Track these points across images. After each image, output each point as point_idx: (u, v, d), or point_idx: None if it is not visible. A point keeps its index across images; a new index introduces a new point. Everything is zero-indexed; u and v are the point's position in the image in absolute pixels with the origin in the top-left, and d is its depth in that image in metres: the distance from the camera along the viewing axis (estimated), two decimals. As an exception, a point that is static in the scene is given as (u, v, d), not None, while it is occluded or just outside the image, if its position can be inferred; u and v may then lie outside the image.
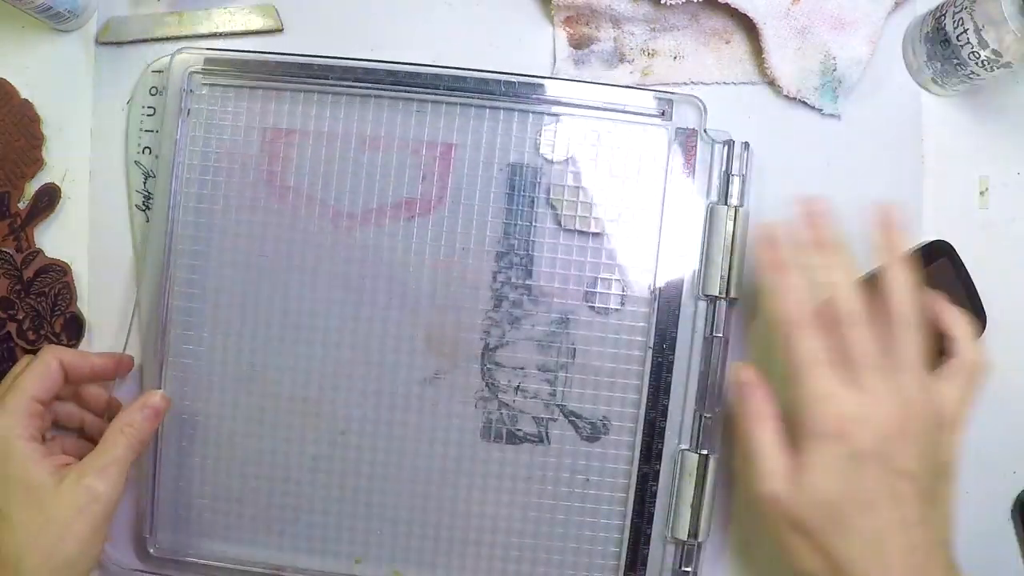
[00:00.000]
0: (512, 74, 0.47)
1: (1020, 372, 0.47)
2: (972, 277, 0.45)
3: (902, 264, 0.37)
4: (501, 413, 0.47)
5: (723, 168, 0.46)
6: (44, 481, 0.38)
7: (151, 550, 0.48)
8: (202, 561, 0.48)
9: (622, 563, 0.47)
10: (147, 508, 0.48)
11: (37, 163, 0.49)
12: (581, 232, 0.47)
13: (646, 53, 0.48)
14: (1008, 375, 0.45)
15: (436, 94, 0.47)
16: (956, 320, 0.39)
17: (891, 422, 0.35)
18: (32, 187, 0.49)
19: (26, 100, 0.49)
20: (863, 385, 0.35)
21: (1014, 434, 0.48)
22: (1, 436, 0.39)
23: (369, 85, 0.47)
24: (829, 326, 0.36)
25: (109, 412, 0.46)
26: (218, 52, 0.48)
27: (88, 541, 0.39)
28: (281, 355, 0.48)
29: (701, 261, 0.46)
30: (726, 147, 0.46)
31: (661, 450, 0.46)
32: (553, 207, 0.47)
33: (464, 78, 0.47)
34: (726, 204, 0.46)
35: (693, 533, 0.45)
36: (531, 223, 0.47)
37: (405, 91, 0.47)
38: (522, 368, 0.47)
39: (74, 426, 0.46)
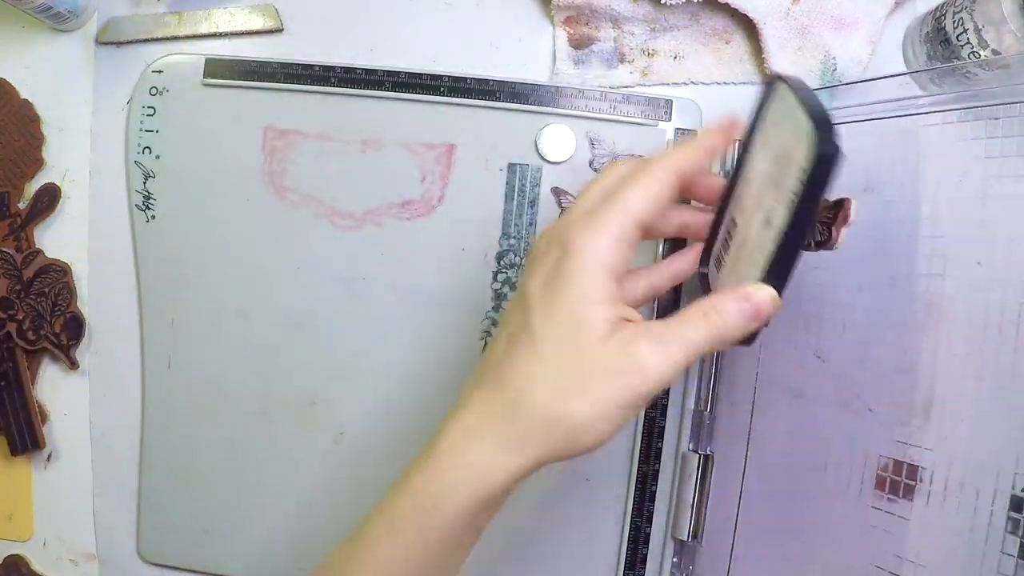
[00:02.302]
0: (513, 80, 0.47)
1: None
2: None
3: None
4: (501, 413, 0.47)
5: (722, 168, 0.46)
6: (595, 324, 0.31)
7: (144, 554, 0.48)
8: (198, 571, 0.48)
9: (622, 563, 0.47)
10: (138, 510, 0.48)
11: (37, 163, 0.49)
12: (581, 232, 0.47)
13: (646, 53, 0.48)
14: (1015, 366, 0.45)
15: (436, 95, 0.47)
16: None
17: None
18: (32, 187, 0.49)
19: (26, 100, 0.49)
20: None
21: (1013, 431, 0.47)
22: (583, 252, 0.32)
23: (369, 86, 0.47)
24: None
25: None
26: (218, 52, 0.49)
27: (601, 415, 0.30)
28: (280, 355, 0.48)
29: (701, 261, 0.46)
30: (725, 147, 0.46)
31: (661, 450, 0.46)
32: (553, 207, 0.47)
33: (464, 79, 0.47)
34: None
35: (693, 533, 0.46)
36: (531, 223, 0.47)
37: (405, 92, 0.47)
38: (522, 368, 0.47)
39: (671, 230, 0.39)
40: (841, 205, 0.39)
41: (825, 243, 0.39)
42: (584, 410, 0.30)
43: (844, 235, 0.39)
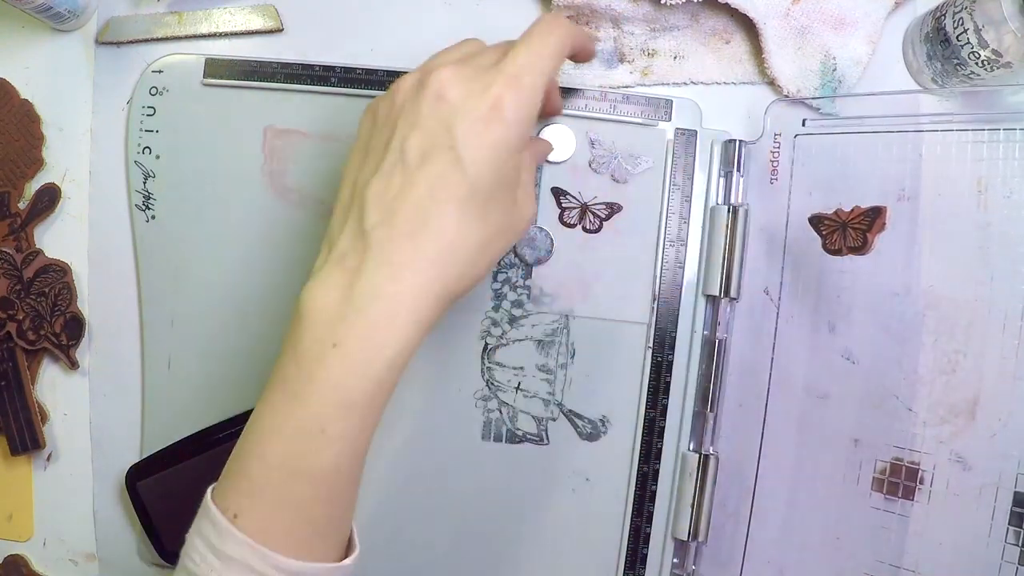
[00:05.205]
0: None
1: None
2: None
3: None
4: (501, 413, 0.47)
5: (722, 168, 0.47)
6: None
7: (144, 554, 0.48)
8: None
9: (622, 563, 0.47)
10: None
11: (37, 163, 0.49)
12: (581, 232, 0.47)
13: (646, 53, 0.48)
14: (1015, 366, 0.45)
15: (436, 94, 0.47)
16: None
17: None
18: (32, 187, 0.49)
19: (26, 100, 0.49)
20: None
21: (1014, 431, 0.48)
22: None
23: (369, 86, 0.47)
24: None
25: None
26: (218, 52, 0.49)
27: None
28: (281, 355, 0.48)
29: (701, 261, 0.46)
30: (726, 147, 0.46)
31: (661, 450, 0.46)
32: (553, 207, 0.47)
33: (464, 78, 0.47)
34: (726, 204, 0.46)
35: (693, 533, 0.46)
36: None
37: (405, 91, 0.47)
38: (522, 368, 0.47)
39: None
40: (877, 212, 0.40)
41: (859, 249, 0.40)
42: None
43: (877, 241, 0.40)
